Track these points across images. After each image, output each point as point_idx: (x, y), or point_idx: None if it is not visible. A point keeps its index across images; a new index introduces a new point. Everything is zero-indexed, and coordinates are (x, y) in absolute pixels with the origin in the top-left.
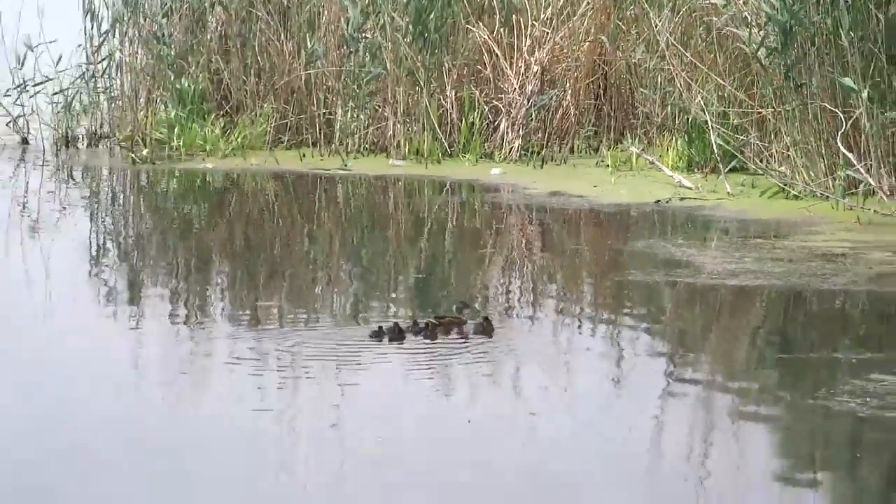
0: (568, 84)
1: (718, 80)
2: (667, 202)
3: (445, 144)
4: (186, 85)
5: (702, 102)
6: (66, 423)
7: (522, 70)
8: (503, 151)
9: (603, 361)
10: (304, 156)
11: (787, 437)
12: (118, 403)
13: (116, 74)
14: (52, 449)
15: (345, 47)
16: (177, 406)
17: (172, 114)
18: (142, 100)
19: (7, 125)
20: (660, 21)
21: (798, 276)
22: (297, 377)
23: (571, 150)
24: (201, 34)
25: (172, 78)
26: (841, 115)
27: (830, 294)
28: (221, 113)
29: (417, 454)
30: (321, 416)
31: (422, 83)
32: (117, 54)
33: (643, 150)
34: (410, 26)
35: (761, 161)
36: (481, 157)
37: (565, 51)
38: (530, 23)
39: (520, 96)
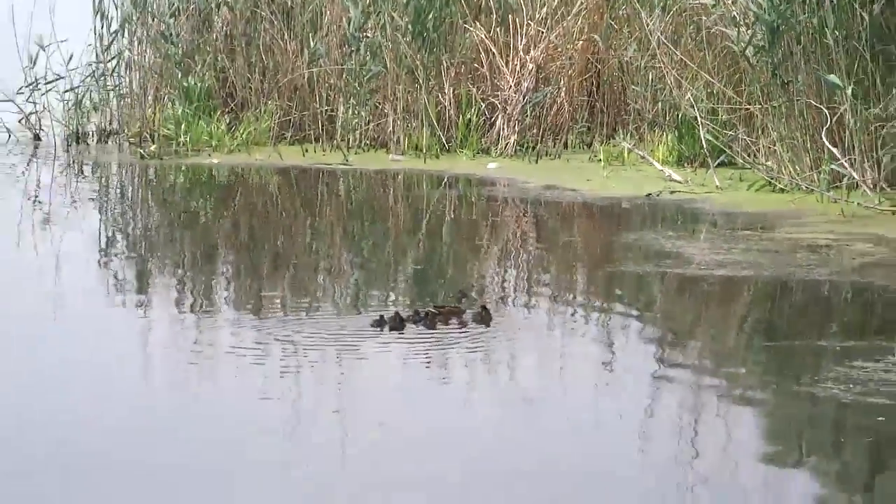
0: (562, 81)
1: (708, 77)
2: (657, 195)
3: (443, 140)
4: (193, 83)
5: (691, 99)
6: (69, 412)
7: (518, 68)
8: (499, 147)
9: (596, 348)
10: (306, 151)
11: (773, 420)
12: (124, 389)
13: (125, 73)
14: (59, 436)
15: (346, 46)
16: (182, 392)
17: (179, 111)
18: (150, 97)
19: (20, 122)
20: (651, 21)
21: (784, 266)
22: (300, 364)
23: (565, 146)
24: (207, 34)
25: (180, 76)
26: (826, 111)
27: (815, 284)
28: (227, 110)
29: (417, 439)
30: (323, 402)
31: (421, 81)
32: (126, 53)
33: (635, 145)
34: (410, 26)
35: (749, 156)
36: (478, 152)
37: (559, 49)
38: (526, 22)
39: (515, 93)
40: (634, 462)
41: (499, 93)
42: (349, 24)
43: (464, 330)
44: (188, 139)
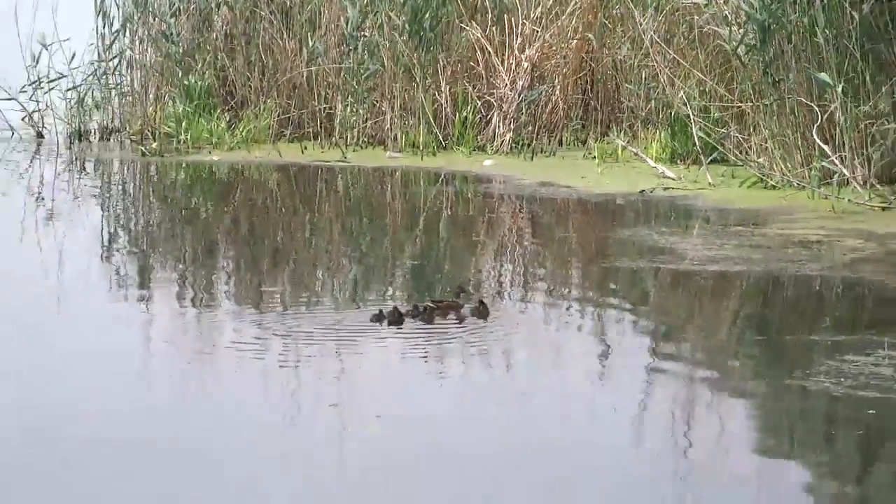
0: (557, 80)
1: (700, 75)
2: (651, 192)
3: (440, 137)
4: (193, 81)
5: (684, 97)
6: (71, 403)
7: (513, 67)
8: (495, 144)
9: (592, 341)
10: (305, 148)
11: (765, 413)
12: (125, 382)
13: (127, 71)
14: (60, 426)
15: (344, 45)
16: (182, 385)
17: (180, 109)
18: (151, 95)
19: (23, 120)
20: (644, 20)
21: (776, 262)
22: (299, 358)
23: (560, 143)
24: (208, 33)
25: (180, 75)
26: (816, 108)
27: (806, 279)
28: (227, 108)
29: (414, 431)
30: (322, 395)
31: (418, 79)
32: (128, 52)
33: (628, 142)
34: (407, 25)
35: (741, 153)
36: (474, 150)
37: (554, 48)
38: (521, 22)
39: (511, 91)
40: (628, 451)
41: (494, 91)
42: (347, 24)
43: (462, 324)
44: (189, 137)
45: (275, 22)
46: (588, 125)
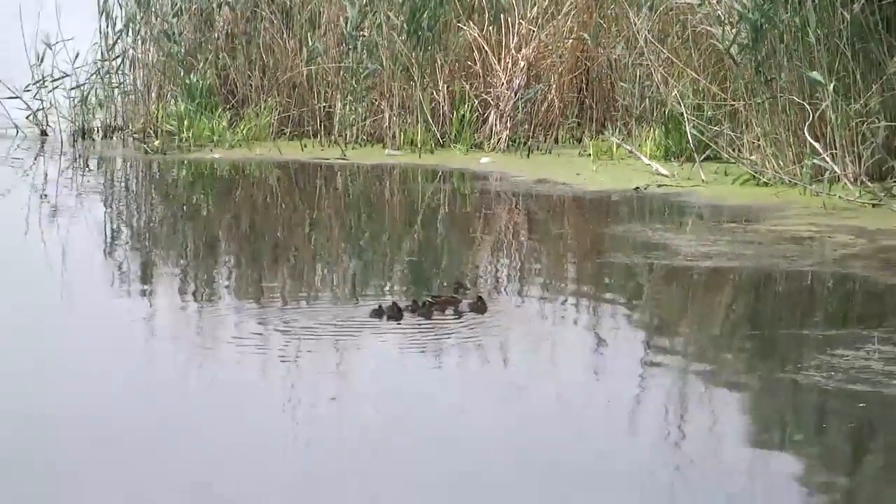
0: (552, 78)
1: (693, 74)
2: (645, 189)
3: (438, 135)
4: (195, 80)
5: (678, 95)
6: (75, 395)
7: (510, 65)
8: (492, 142)
9: (587, 335)
10: (305, 146)
11: (757, 406)
12: (128, 373)
13: (130, 70)
14: (64, 417)
15: (344, 45)
16: (183, 380)
17: (182, 107)
18: (153, 94)
19: (27, 118)
20: (638, 19)
21: (768, 257)
22: (300, 352)
23: (556, 141)
24: (209, 33)
25: (182, 74)
26: (808, 107)
27: (798, 274)
28: (228, 106)
29: (412, 421)
30: (322, 388)
31: (416, 78)
32: (130, 52)
33: (623, 140)
34: (405, 25)
35: (733, 150)
36: (471, 147)
37: (550, 47)
38: (517, 21)
39: (507, 90)
40: (623, 441)
41: (491, 90)
42: (346, 24)
43: (460, 319)
44: (190, 135)
45: (275, 22)
46: (583, 123)
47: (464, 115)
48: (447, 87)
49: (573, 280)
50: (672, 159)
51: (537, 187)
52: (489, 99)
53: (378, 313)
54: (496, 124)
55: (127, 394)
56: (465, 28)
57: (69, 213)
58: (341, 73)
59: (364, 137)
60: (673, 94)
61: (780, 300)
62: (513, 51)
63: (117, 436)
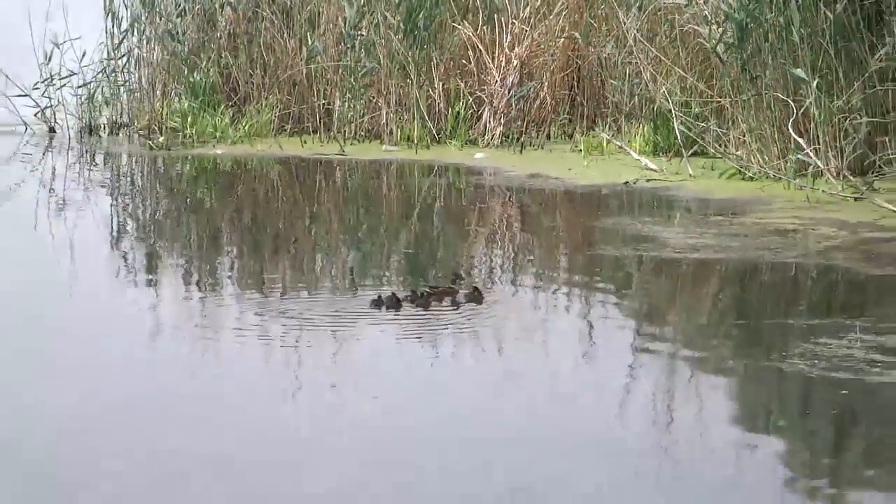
0: (545, 76)
1: (681, 72)
2: (634, 183)
3: (433, 131)
4: (198, 78)
5: (666, 93)
6: (81, 382)
7: (503, 64)
8: (486, 138)
9: (579, 324)
10: (305, 142)
11: (742, 393)
12: (132, 362)
13: (135, 69)
14: (71, 404)
15: (342, 44)
16: (186, 365)
17: (186, 105)
18: (158, 92)
19: (36, 115)
20: (628, 19)
21: (753, 249)
22: (301, 341)
23: (548, 137)
24: (212, 32)
25: (186, 72)
26: (792, 103)
27: (782, 266)
28: (230, 104)
29: (411, 406)
30: (322, 376)
31: (412, 76)
32: (136, 51)
33: (613, 136)
34: (402, 24)
35: (720, 146)
36: (466, 143)
37: (542, 46)
38: (510, 21)
39: (501, 88)
40: (613, 426)
41: (485, 87)
42: (345, 23)
43: (457, 309)
44: (194, 131)
45: (276, 22)
46: (574, 120)
47: (459, 112)
48: (443, 85)
49: (566, 271)
50: (660, 154)
51: (530, 182)
52: (483, 96)
53: (377, 303)
54: (490, 121)
55: (129, 379)
56: (459, 27)
57: (76, 207)
58: (340, 71)
59: (362, 134)
60: (661, 91)
61: (765, 291)
62: (506, 49)
63: (119, 418)
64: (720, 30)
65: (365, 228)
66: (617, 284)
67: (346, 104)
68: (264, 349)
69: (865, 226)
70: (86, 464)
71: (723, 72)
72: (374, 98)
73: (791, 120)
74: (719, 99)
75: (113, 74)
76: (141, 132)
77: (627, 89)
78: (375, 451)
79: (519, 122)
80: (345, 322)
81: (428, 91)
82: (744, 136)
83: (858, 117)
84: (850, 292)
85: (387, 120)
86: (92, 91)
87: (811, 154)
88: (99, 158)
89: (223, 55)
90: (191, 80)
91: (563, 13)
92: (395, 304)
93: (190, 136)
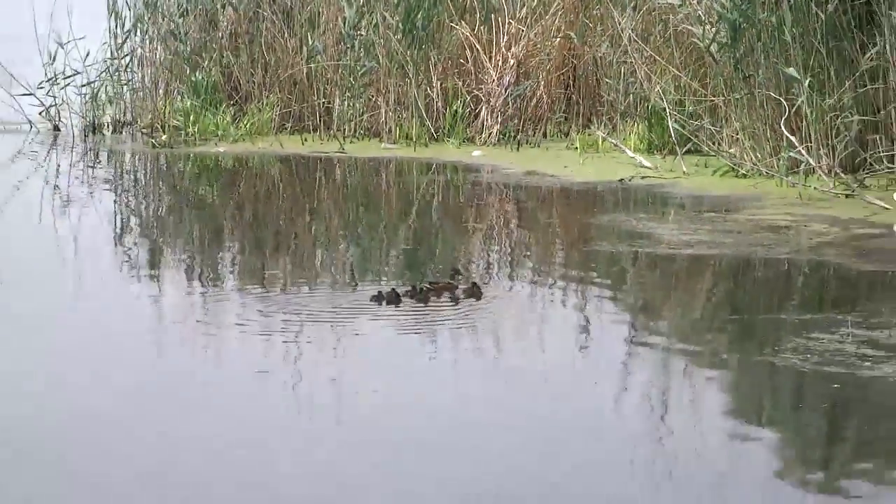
0: (541, 76)
1: (675, 71)
2: (629, 180)
3: (432, 130)
4: (200, 77)
5: (660, 92)
6: (86, 377)
7: (500, 63)
8: (483, 136)
9: (576, 318)
10: (305, 140)
11: (736, 387)
12: (135, 356)
13: (138, 68)
14: (75, 398)
15: (342, 43)
16: (188, 359)
17: (188, 103)
18: (160, 91)
19: (40, 114)
20: (623, 19)
21: (746, 245)
22: (302, 336)
23: (544, 135)
24: (214, 32)
25: (188, 71)
26: (784, 102)
27: (775, 262)
28: (232, 102)
29: (409, 402)
30: (322, 370)
31: (411, 75)
32: (139, 50)
33: (608, 134)
34: (400, 24)
35: (713, 144)
36: (464, 141)
37: (538, 46)
38: (507, 21)
39: (498, 87)
40: (610, 418)
41: (483, 86)
42: (344, 23)
43: (456, 304)
44: (196, 129)
45: (276, 22)
46: (570, 118)
47: (456, 111)
48: (441, 84)
49: (562, 266)
50: (655, 152)
51: (527, 179)
52: (481, 95)
53: (378, 299)
54: (487, 119)
55: (133, 373)
56: (457, 27)
57: (80, 204)
58: (340, 70)
59: (361, 132)
60: (656, 90)
61: (758, 286)
62: (503, 49)
63: (124, 411)
64: (713, 30)
65: (364, 225)
66: (612, 280)
67: (346, 103)
68: (265, 343)
69: (856, 222)
70: (96, 449)
71: (716, 71)
72: (373, 97)
73: (783, 118)
74: (713, 97)
75: (116, 74)
76: (144, 130)
77: (622, 88)
78: (374, 445)
79: (516, 121)
80: (345, 316)
81: (426, 90)
82: (737, 134)
83: (850, 115)
84: (842, 288)
85: (386, 118)
86: (96, 90)
87: (803, 152)
88: (103, 156)
89: (225, 55)
90: (193, 79)
91: (559, 13)
92: (395, 299)
93: (192, 135)
